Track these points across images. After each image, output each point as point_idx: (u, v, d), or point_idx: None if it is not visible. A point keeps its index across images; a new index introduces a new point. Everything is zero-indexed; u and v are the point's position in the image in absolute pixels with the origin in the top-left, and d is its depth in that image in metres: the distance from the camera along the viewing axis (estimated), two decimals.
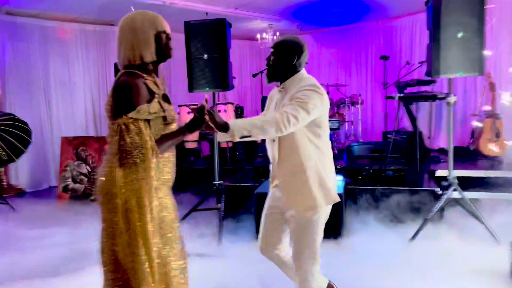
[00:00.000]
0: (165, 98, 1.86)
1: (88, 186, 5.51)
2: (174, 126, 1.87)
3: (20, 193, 6.31)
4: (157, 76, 1.86)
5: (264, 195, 4.01)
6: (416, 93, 4.73)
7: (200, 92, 4.13)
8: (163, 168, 1.82)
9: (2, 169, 5.96)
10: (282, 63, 2.16)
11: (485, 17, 3.33)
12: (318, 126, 2.12)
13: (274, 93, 2.30)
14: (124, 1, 5.10)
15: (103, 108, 7.26)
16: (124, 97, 1.68)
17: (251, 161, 5.53)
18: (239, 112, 7.39)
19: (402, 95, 4.40)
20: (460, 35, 3.33)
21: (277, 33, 8.44)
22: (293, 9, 7.24)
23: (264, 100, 8.03)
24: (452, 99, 3.51)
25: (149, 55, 1.76)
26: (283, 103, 2.14)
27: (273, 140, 2.17)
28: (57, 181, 5.96)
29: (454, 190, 3.64)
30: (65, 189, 5.53)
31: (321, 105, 2.07)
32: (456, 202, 3.76)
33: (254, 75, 7.78)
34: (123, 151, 1.65)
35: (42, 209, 5.13)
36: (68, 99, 7.10)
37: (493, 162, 5.37)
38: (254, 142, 6.48)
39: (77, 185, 5.51)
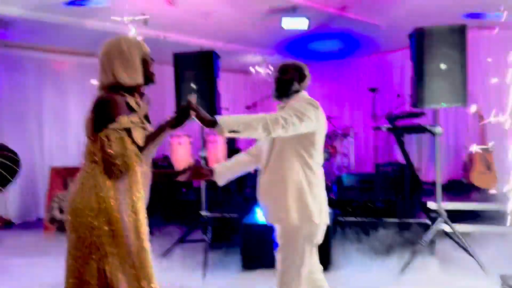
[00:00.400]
0: (146, 118, 1.89)
1: None
2: None
3: (8, 225, 6.20)
4: (140, 97, 1.88)
5: (250, 227, 3.98)
6: (404, 125, 4.74)
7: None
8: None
9: None
10: (285, 83, 2.28)
11: (467, 50, 3.39)
12: (312, 143, 2.15)
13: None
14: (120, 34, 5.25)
15: None
16: (103, 111, 1.73)
17: (240, 191, 5.49)
18: (231, 144, 7.39)
19: (390, 126, 4.41)
20: (443, 66, 3.38)
21: (270, 66, 8.59)
22: (285, 43, 7.39)
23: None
24: (437, 129, 3.52)
25: (139, 78, 1.80)
26: None
27: (268, 148, 2.21)
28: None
29: (443, 221, 3.57)
30: (52, 220, 5.42)
31: (315, 120, 2.11)
32: (446, 234, 3.70)
33: (248, 107, 7.89)
34: (106, 162, 1.70)
35: (27, 240, 5.03)
36: (61, 130, 7.10)
37: (485, 195, 5.33)
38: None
39: (64, 216, 5.41)
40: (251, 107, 7.72)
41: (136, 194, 1.78)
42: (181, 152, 6.43)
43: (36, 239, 5.11)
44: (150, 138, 1.82)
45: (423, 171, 6.87)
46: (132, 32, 5.07)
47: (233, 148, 7.43)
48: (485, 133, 5.54)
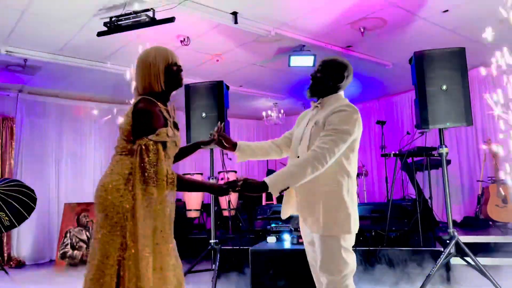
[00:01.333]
0: (175, 125, 2.03)
1: (87, 253, 5.42)
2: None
3: (20, 265, 6.20)
4: (165, 103, 2.01)
5: (259, 253, 3.93)
6: (411, 151, 4.75)
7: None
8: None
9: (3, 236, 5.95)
10: (327, 80, 2.17)
11: (467, 71, 3.49)
12: (351, 150, 2.06)
13: (307, 112, 2.31)
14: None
15: None
16: (145, 121, 1.84)
17: (251, 226, 5.45)
18: None
19: (397, 152, 4.43)
20: (444, 87, 3.47)
21: (282, 111, 8.81)
22: (296, 87, 7.63)
23: (269, 172, 8.12)
24: (443, 150, 3.53)
25: (158, 86, 1.92)
26: (316, 119, 2.12)
27: (298, 157, 2.13)
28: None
29: (457, 245, 3.47)
30: (63, 256, 5.44)
31: (357, 129, 2.04)
32: (462, 259, 3.57)
33: None
34: (143, 169, 1.78)
35: (38, 273, 5.01)
36: (78, 172, 7.31)
37: (504, 228, 5.17)
38: (254, 205, 6.41)
39: (76, 252, 5.42)
40: None
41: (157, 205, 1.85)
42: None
43: (46, 273, 5.09)
44: (195, 183, 2.21)
45: (440, 210, 6.73)
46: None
47: None
48: (498, 167, 5.48)
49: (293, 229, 4.24)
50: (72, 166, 7.23)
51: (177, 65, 1.98)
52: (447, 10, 4.59)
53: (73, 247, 5.47)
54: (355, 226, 2.05)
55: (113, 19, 4.10)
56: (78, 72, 6.06)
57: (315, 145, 1.98)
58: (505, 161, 5.24)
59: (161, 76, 1.93)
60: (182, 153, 2.21)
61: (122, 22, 4.04)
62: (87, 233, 5.53)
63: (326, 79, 2.18)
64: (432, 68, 3.50)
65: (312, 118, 2.18)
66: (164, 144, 1.86)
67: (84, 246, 5.48)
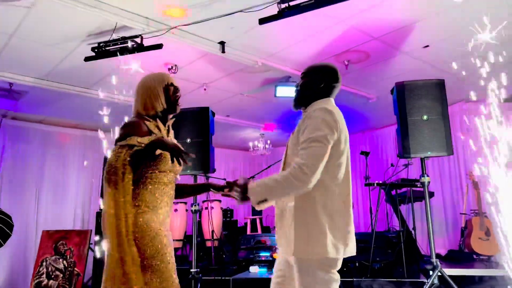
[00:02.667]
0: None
1: (62, 283, 5.21)
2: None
3: None
4: (165, 124, 2.11)
5: (241, 282, 3.83)
6: (389, 183, 4.78)
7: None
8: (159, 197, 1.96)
9: None
10: (309, 87, 2.04)
11: (446, 102, 3.58)
12: (330, 156, 1.85)
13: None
14: (123, 109, 5.57)
15: (92, 209, 7.26)
16: (123, 131, 1.94)
17: (234, 256, 5.33)
18: (229, 214, 7.35)
19: (380, 182, 4.45)
20: (425, 117, 3.54)
21: (269, 141, 8.86)
22: (283, 118, 7.71)
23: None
24: (425, 179, 3.56)
25: (160, 105, 2.04)
26: (297, 129, 1.98)
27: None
28: None
29: (440, 276, 3.44)
30: (38, 285, 5.22)
31: (335, 131, 1.86)
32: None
33: None
34: (106, 171, 1.83)
35: None
36: (59, 199, 7.15)
37: (488, 261, 5.15)
38: (237, 235, 6.31)
39: (51, 282, 5.21)
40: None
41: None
42: (176, 220, 6.36)
43: None
44: (191, 189, 2.26)
45: (424, 244, 6.70)
46: None
47: (229, 215, 7.38)
48: (481, 199, 5.53)
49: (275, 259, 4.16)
50: (53, 193, 7.08)
51: (173, 85, 2.10)
52: (427, 46, 4.75)
53: (48, 277, 5.26)
54: (335, 248, 1.81)
55: (101, 44, 4.15)
56: (64, 98, 6.04)
57: (294, 160, 1.83)
58: (486, 194, 5.31)
59: (161, 96, 2.04)
60: (191, 191, 2.32)
61: (110, 47, 4.08)
62: (64, 262, 5.34)
63: (305, 86, 2.08)
64: (413, 99, 3.59)
65: (297, 128, 2.04)
66: (130, 147, 1.86)
67: (61, 275, 5.28)
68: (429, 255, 6.24)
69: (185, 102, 6.77)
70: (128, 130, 1.92)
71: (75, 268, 5.27)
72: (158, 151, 1.92)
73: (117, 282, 1.73)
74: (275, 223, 2.05)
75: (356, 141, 8.78)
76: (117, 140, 1.90)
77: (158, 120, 2.05)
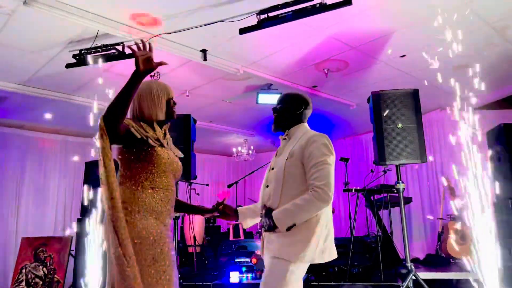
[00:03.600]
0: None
1: None
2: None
3: None
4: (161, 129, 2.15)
5: (221, 286, 3.87)
6: (366, 188, 4.89)
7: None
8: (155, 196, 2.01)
9: None
10: (288, 112, 2.30)
11: (420, 111, 3.70)
12: None
13: (283, 143, 2.37)
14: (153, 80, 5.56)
15: (73, 215, 7.20)
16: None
17: (217, 261, 5.36)
18: (211, 220, 7.38)
19: (358, 188, 4.55)
20: (400, 126, 3.66)
21: (252, 147, 8.93)
22: (266, 124, 7.79)
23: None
24: (400, 185, 3.67)
25: (161, 115, 2.12)
26: (289, 150, 2.19)
27: (266, 186, 2.23)
28: None
29: (415, 280, 3.55)
30: None
31: (333, 152, 2.14)
32: None
33: (229, 186, 7.99)
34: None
35: None
36: (40, 205, 7.08)
37: (463, 265, 5.29)
38: (220, 240, 6.34)
39: None
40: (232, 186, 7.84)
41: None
42: None
43: None
44: (194, 209, 2.38)
45: (403, 248, 6.84)
46: None
47: (212, 221, 7.40)
48: (456, 203, 5.67)
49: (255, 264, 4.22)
50: (33, 199, 7.02)
51: (173, 101, 2.18)
52: (404, 55, 4.90)
53: (28, 284, 5.20)
54: (311, 256, 2.03)
55: (82, 51, 4.17)
56: (45, 104, 6.01)
57: (312, 184, 2.02)
58: (460, 199, 5.46)
59: (164, 107, 2.13)
60: (184, 209, 2.39)
61: (92, 55, 4.10)
62: (44, 269, 5.29)
63: (286, 111, 2.31)
64: (388, 108, 3.70)
65: (284, 151, 2.25)
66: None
67: (40, 282, 5.22)
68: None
69: None
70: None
71: (55, 276, 5.23)
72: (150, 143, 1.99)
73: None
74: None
75: (338, 147, 8.91)
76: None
77: (154, 123, 2.10)
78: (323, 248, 2.08)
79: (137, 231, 1.89)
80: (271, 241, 2.11)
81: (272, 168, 2.27)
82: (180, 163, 2.16)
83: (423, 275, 4.64)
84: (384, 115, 3.61)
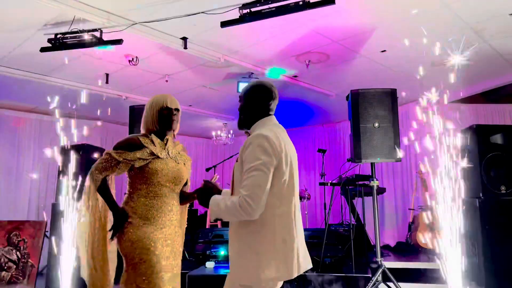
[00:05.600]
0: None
1: (15, 274, 5.13)
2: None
3: None
4: (162, 139, 2.38)
5: (196, 279, 3.94)
6: (348, 182, 4.99)
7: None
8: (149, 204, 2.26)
9: None
10: (247, 109, 2.05)
11: (397, 110, 3.78)
12: (282, 184, 1.89)
13: None
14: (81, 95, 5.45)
15: (48, 199, 7.08)
16: (117, 143, 2.32)
17: (193, 248, 5.42)
18: (189, 205, 7.40)
19: (334, 181, 4.65)
20: (376, 125, 3.73)
21: (231, 131, 8.92)
22: None
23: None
24: (374, 183, 3.77)
25: (152, 126, 2.35)
26: (240, 158, 1.97)
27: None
28: None
29: (384, 273, 3.69)
30: None
31: (271, 156, 1.85)
32: (388, 287, 3.79)
33: (207, 169, 8.03)
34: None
35: None
36: (13, 188, 6.94)
37: (431, 255, 5.52)
38: (197, 224, 6.41)
39: (3, 273, 5.11)
40: (211, 169, 7.86)
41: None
42: None
43: None
44: (185, 198, 2.47)
45: (374, 234, 7.06)
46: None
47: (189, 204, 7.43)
48: (427, 195, 5.86)
49: None
50: (6, 180, 6.86)
51: (167, 109, 2.34)
52: (384, 50, 4.94)
53: (1, 268, 5.16)
54: (270, 272, 1.83)
55: (58, 36, 4.03)
56: (19, 83, 5.83)
57: (241, 192, 1.84)
58: (431, 191, 5.65)
59: (155, 118, 2.34)
60: (181, 199, 2.49)
61: (68, 40, 3.98)
62: (18, 253, 5.24)
63: (243, 109, 2.08)
64: (366, 106, 3.76)
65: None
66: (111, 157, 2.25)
67: (14, 266, 5.18)
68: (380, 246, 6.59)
69: (146, 92, 6.74)
70: (123, 141, 2.30)
71: (29, 260, 5.20)
72: (139, 164, 2.24)
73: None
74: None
75: (317, 134, 9.02)
76: (114, 147, 2.28)
77: (153, 135, 2.33)
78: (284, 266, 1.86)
79: (127, 239, 2.16)
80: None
81: None
82: (182, 171, 2.34)
83: (394, 264, 4.83)
84: (376, 126, 3.65)
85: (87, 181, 2.25)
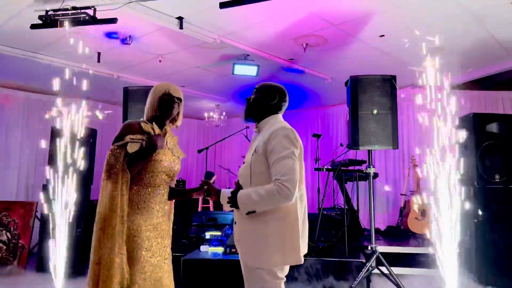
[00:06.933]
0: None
1: (6, 255, 5.07)
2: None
3: None
4: (162, 128, 2.28)
5: (192, 262, 3.94)
6: (341, 167, 4.99)
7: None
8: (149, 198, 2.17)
9: None
10: (261, 102, 2.20)
11: (396, 97, 3.75)
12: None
13: (254, 137, 2.30)
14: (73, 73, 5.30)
15: (38, 178, 6.94)
16: (119, 132, 2.19)
17: (186, 231, 5.41)
18: (181, 185, 7.38)
19: (329, 167, 4.64)
20: (375, 112, 3.70)
21: (224, 113, 8.84)
22: (239, 91, 7.69)
23: (207, 174, 8.10)
24: (371, 170, 3.77)
25: (152, 112, 2.28)
26: (256, 145, 2.12)
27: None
28: None
29: (377, 259, 3.72)
30: None
31: (298, 146, 2.04)
32: (381, 272, 3.84)
33: (199, 151, 7.96)
34: (104, 169, 2.10)
35: None
36: (1, 165, 6.80)
37: (421, 239, 5.60)
38: (190, 211, 6.40)
39: None
40: (203, 151, 7.80)
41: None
42: None
43: None
44: (176, 194, 2.37)
45: (366, 219, 7.13)
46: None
47: (181, 186, 7.40)
48: (420, 182, 5.92)
49: (226, 238, 4.29)
50: None
51: (169, 95, 2.28)
52: (383, 35, 4.88)
53: None
54: (282, 258, 2.00)
55: (49, 12, 3.88)
56: (7, 60, 5.64)
57: (276, 179, 1.94)
58: (423, 177, 5.69)
59: (156, 105, 2.27)
60: (173, 194, 2.40)
61: (59, 17, 3.83)
62: (8, 234, 5.18)
63: (258, 101, 2.22)
64: (365, 93, 3.72)
65: (252, 145, 2.21)
66: (125, 145, 2.11)
67: (4, 247, 5.13)
68: (369, 229, 6.68)
69: (140, 72, 6.60)
70: (122, 131, 2.18)
71: (20, 241, 5.14)
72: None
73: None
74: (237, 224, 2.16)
75: (310, 117, 8.98)
76: (114, 140, 2.15)
77: (154, 123, 2.25)
78: (297, 248, 2.03)
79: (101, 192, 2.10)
80: (241, 234, 2.11)
81: (244, 163, 2.22)
82: (177, 165, 2.28)
83: (385, 248, 4.88)
84: (375, 113, 3.62)
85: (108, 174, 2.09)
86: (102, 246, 2.00)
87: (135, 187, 2.13)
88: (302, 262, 2.05)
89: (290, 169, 1.94)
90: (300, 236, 2.05)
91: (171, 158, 2.25)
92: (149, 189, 2.16)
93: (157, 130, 2.22)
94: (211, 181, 2.30)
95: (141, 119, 2.30)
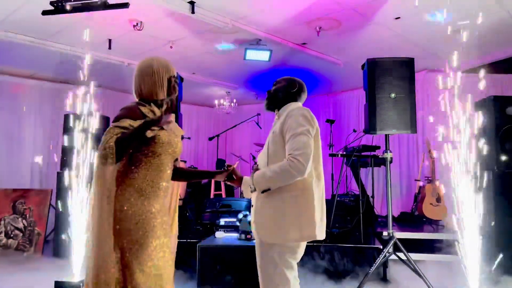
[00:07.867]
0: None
1: (22, 242, 5.14)
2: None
3: None
4: (161, 108, 2.09)
5: (207, 249, 3.94)
6: (354, 153, 4.93)
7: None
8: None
9: None
10: (282, 91, 2.30)
11: (414, 80, 3.66)
12: (315, 155, 2.09)
13: (274, 122, 2.36)
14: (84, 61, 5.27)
15: (51, 163, 6.98)
16: (119, 113, 1.98)
17: (199, 217, 5.42)
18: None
19: (344, 153, 4.58)
20: (393, 95, 3.62)
21: (234, 100, 8.78)
22: (250, 78, 7.62)
23: (219, 162, 8.10)
24: (388, 155, 3.70)
25: (162, 94, 2.06)
26: (274, 129, 2.20)
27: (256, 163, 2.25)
28: None
29: (395, 244, 3.68)
30: None
31: (314, 124, 2.10)
32: (398, 258, 3.80)
33: (210, 139, 7.94)
34: (101, 148, 1.88)
35: None
36: (15, 153, 6.85)
37: (436, 225, 5.55)
38: (202, 198, 6.40)
39: (10, 241, 5.12)
40: (214, 139, 7.78)
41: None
42: None
43: None
44: (196, 175, 2.38)
45: (379, 205, 7.08)
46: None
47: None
48: (435, 167, 5.83)
49: (240, 225, 4.27)
50: (7, 147, 6.76)
51: (175, 77, 2.12)
52: (399, 17, 4.76)
53: (7, 236, 5.16)
54: (297, 234, 2.04)
55: None
56: (18, 48, 5.64)
57: (290, 153, 2.00)
58: (439, 163, 5.61)
59: (165, 85, 2.06)
60: (195, 175, 2.42)
61: (71, 2, 3.79)
62: (24, 221, 5.23)
63: (279, 90, 2.32)
64: (383, 76, 3.64)
65: (272, 129, 2.27)
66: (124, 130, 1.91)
67: (20, 234, 5.18)
68: (383, 216, 6.61)
69: None
70: (124, 112, 1.97)
71: (36, 228, 5.19)
72: (150, 133, 1.92)
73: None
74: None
75: (321, 103, 8.88)
76: (113, 121, 1.96)
77: (152, 104, 2.05)
78: (319, 224, 2.10)
79: (124, 211, 1.90)
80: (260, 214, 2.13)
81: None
82: (179, 143, 2.12)
83: (400, 234, 4.82)
84: (392, 96, 3.54)
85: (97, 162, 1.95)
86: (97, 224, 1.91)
87: (144, 171, 1.98)
88: (319, 238, 2.10)
89: (303, 144, 1.99)
90: (320, 218, 2.11)
91: (174, 139, 2.10)
92: (158, 173, 2.01)
93: (157, 112, 2.05)
94: (235, 165, 2.29)
95: (137, 101, 2.08)
